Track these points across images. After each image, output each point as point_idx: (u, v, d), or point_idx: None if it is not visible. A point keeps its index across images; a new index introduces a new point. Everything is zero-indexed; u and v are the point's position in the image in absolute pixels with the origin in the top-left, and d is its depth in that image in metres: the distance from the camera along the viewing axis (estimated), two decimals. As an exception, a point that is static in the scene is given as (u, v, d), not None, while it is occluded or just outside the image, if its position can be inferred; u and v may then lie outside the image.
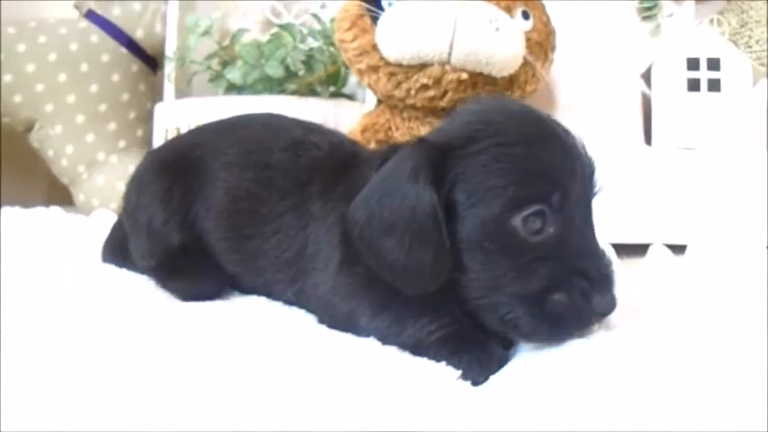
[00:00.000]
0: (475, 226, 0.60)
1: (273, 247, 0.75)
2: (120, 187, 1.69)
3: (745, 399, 0.40)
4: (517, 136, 0.61)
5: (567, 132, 0.62)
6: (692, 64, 1.27)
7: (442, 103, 1.10)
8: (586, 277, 0.58)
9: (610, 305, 0.59)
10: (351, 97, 1.66)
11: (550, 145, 0.61)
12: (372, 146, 1.19)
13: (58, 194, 1.84)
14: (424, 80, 1.08)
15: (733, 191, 1.23)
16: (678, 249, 1.20)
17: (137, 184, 0.88)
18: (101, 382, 0.47)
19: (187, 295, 0.79)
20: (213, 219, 0.81)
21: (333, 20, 1.63)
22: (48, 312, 0.67)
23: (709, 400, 0.41)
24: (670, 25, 1.43)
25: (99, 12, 1.77)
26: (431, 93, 1.09)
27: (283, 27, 1.70)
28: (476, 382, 0.57)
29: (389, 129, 1.18)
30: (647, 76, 1.33)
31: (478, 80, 1.08)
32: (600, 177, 0.64)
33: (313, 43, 1.65)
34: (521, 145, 0.60)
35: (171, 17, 1.70)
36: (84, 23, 1.75)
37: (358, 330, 0.65)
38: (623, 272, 0.65)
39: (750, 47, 1.45)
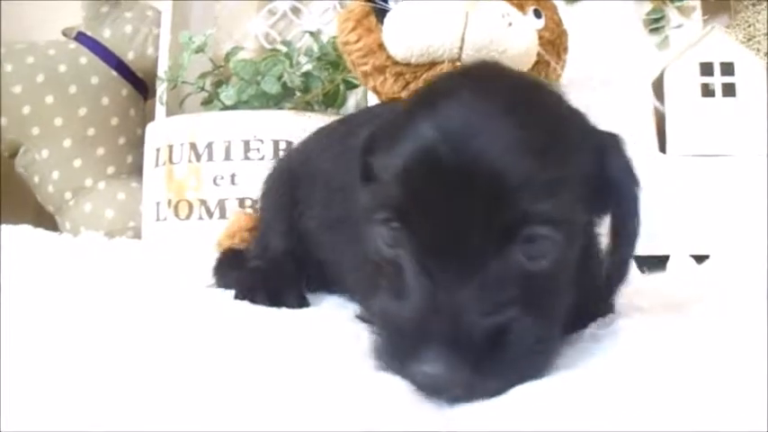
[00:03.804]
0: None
1: None
2: (109, 215, 1.65)
3: (744, 399, 0.38)
4: (408, 125, 0.48)
5: (469, 145, 0.44)
6: (706, 69, 1.24)
7: (452, 105, 1.05)
8: (406, 335, 0.44)
9: (429, 385, 0.42)
10: (349, 118, 1.61)
11: (429, 148, 0.45)
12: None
13: (45, 224, 1.76)
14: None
15: (753, 197, 1.18)
16: (699, 260, 1.15)
17: (262, 190, 0.94)
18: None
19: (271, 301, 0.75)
20: (317, 222, 0.81)
21: (330, 39, 1.60)
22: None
23: (709, 400, 0.38)
24: (678, 37, 1.40)
25: (90, 33, 1.72)
26: (440, 93, 1.04)
27: (276, 50, 1.67)
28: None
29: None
30: (657, 85, 1.29)
31: (490, 79, 1.03)
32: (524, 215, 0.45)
33: (308, 66, 1.61)
34: (401, 139, 0.48)
35: (164, 37, 1.65)
36: (74, 45, 1.71)
37: None
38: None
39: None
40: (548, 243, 0.46)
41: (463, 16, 0.98)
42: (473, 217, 0.44)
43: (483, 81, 0.52)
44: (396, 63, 1.04)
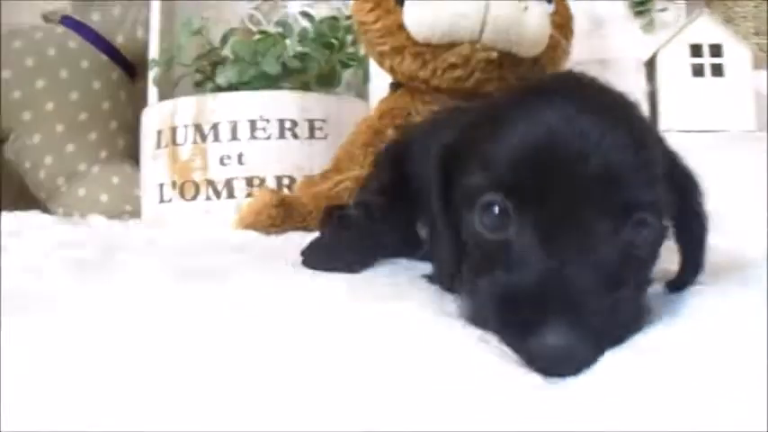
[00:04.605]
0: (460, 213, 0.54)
1: None
2: (104, 200, 1.65)
3: (744, 399, 0.38)
4: (514, 120, 0.51)
5: (586, 138, 0.48)
6: (696, 51, 1.31)
7: (468, 84, 1.09)
8: (527, 307, 0.45)
9: (553, 357, 0.42)
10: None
11: (546, 138, 0.49)
12: (390, 132, 1.17)
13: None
14: (453, 59, 1.07)
15: (740, 168, 1.26)
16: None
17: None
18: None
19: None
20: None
21: (323, 20, 1.63)
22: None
23: (709, 399, 0.39)
24: (663, 20, 1.46)
25: (77, 17, 1.70)
26: (458, 73, 1.08)
27: (266, 32, 1.68)
28: None
29: (409, 114, 1.16)
30: (650, 65, 1.36)
31: (505, 60, 1.08)
32: (634, 202, 0.48)
33: (302, 47, 1.63)
34: (509, 130, 0.51)
35: (154, 20, 1.65)
36: (61, 29, 1.69)
37: None
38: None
39: (737, 41, 1.50)
40: (650, 229, 0.50)
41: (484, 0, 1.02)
42: (590, 200, 0.47)
43: (582, 82, 0.56)
44: (415, 44, 1.08)
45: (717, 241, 0.95)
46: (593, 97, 0.52)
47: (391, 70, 1.15)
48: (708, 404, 0.37)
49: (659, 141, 0.56)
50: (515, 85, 0.64)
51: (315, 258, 0.72)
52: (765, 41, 1.48)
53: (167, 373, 0.42)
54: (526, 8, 1.05)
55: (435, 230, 0.60)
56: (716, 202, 1.26)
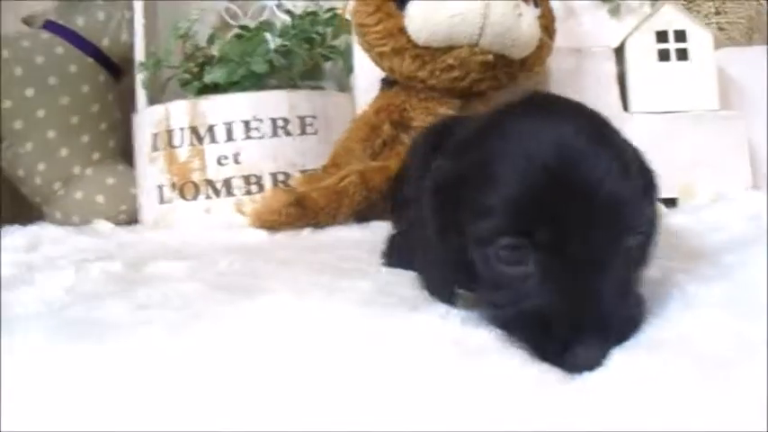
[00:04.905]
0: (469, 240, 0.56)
1: None
2: (101, 201, 1.68)
3: (744, 398, 0.40)
4: (510, 155, 0.54)
5: (587, 171, 0.51)
6: (661, 37, 1.41)
7: (463, 84, 1.18)
8: (565, 323, 0.50)
9: (585, 368, 0.48)
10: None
11: (550, 175, 0.51)
12: (387, 127, 1.25)
13: (21, 216, 1.75)
14: (451, 61, 1.16)
15: (705, 145, 1.37)
16: (667, 203, 1.31)
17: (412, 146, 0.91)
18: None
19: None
20: None
21: (303, 15, 1.68)
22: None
23: (708, 399, 0.41)
24: (629, 5, 1.56)
25: (61, 22, 1.71)
26: (455, 74, 1.17)
27: (246, 27, 1.72)
28: None
29: (405, 110, 1.24)
30: (619, 51, 1.46)
31: (499, 62, 1.18)
32: (633, 222, 0.53)
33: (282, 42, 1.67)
34: (510, 167, 0.53)
35: (138, 21, 1.68)
36: (47, 35, 1.70)
37: None
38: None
39: (698, 22, 1.61)
40: (644, 238, 0.57)
41: (484, 7, 1.11)
42: (598, 227, 0.51)
43: (562, 109, 0.59)
44: (415, 46, 1.17)
45: (687, 223, 1.05)
46: (581, 122, 0.55)
47: (390, 70, 1.23)
48: (707, 402, 0.41)
49: (632, 148, 0.60)
50: (494, 110, 0.64)
51: (394, 259, 0.78)
52: (725, 21, 1.59)
53: (210, 393, 0.44)
54: (521, 14, 1.14)
55: (426, 249, 0.62)
56: (683, 181, 1.37)
